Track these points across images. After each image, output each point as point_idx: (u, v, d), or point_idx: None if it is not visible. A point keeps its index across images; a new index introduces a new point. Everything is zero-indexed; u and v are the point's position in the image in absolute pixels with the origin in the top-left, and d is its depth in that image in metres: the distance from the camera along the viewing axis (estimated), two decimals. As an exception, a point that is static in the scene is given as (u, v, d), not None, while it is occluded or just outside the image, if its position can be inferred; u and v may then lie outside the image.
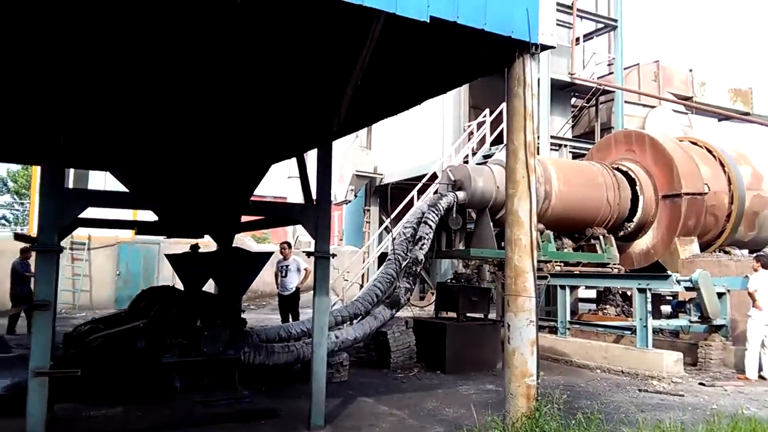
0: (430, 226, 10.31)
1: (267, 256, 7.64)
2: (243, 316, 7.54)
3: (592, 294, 15.99)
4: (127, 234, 17.23)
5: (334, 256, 5.95)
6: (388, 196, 13.78)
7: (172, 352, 6.54)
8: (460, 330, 9.46)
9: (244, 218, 8.28)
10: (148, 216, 8.33)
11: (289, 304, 10.99)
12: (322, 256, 5.70)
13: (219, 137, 6.20)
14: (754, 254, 10.81)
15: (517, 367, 4.55)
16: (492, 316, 10.94)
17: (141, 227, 8.61)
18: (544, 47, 4.76)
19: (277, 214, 7.95)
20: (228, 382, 7.09)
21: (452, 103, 17.08)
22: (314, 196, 5.98)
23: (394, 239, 10.01)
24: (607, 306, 12.97)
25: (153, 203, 6.71)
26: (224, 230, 7.97)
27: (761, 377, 9.19)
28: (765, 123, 12.66)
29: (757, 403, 7.63)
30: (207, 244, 9.29)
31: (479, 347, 9.39)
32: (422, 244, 10.13)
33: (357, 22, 4.49)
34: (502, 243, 12.01)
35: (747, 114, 18.90)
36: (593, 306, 14.59)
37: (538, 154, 13.88)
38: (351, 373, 8.44)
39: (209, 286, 8.30)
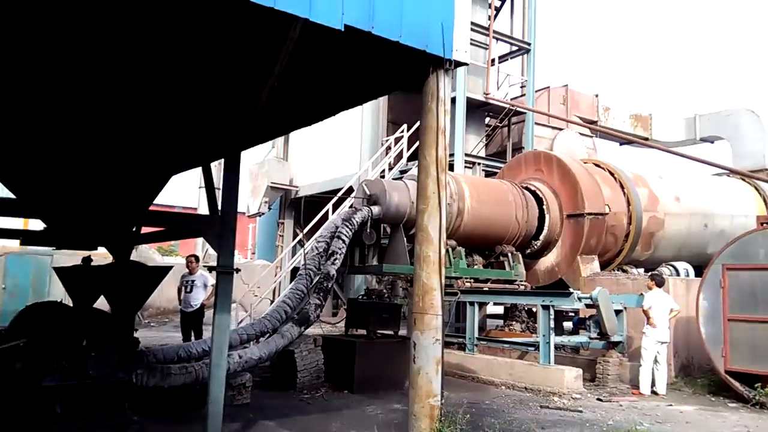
0: (344, 241, 10.14)
1: (165, 270, 7.16)
2: (141, 334, 7.04)
3: (500, 310, 16.34)
4: (16, 244, 15.84)
5: (237, 270, 5.64)
6: (301, 209, 13.47)
7: (53, 375, 5.94)
8: (370, 348, 9.31)
9: (146, 229, 7.78)
10: (38, 225, 7.64)
11: (192, 322, 10.42)
12: (224, 271, 5.39)
13: (113, 143, 5.74)
14: (649, 273, 11.41)
15: (422, 387, 4.43)
16: (403, 332, 10.90)
17: (27, 237, 7.85)
18: (458, 63, 4.74)
19: (179, 225, 7.50)
20: (119, 407, 6.54)
21: (371, 117, 17.10)
22: (220, 208, 5.67)
23: (305, 254, 9.71)
24: (514, 322, 13.27)
25: (39, 211, 6.12)
26: (120, 242, 7.41)
27: (654, 392, 9.64)
28: (661, 148, 13.55)
29: (649, 418, 7.96)
30: (106, 256, 8.66)
31: (389, 365, 9.26)
32: (335, 259, 9.93)
33: (271, 28, 4.26)
34: (415, 259, 12.23)
35: (646, 139, 20.15)
36: (501, 322, 14.90)
37: (452, 171, 14.10)
38: (255, 394, 8.07)
39: (103, 303, 7.70)
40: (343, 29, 4.02)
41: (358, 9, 4.11)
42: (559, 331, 12.48)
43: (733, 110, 19.14)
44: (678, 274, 12.89)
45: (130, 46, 4.73)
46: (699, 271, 11.28)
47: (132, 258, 8.05)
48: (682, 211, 14.49)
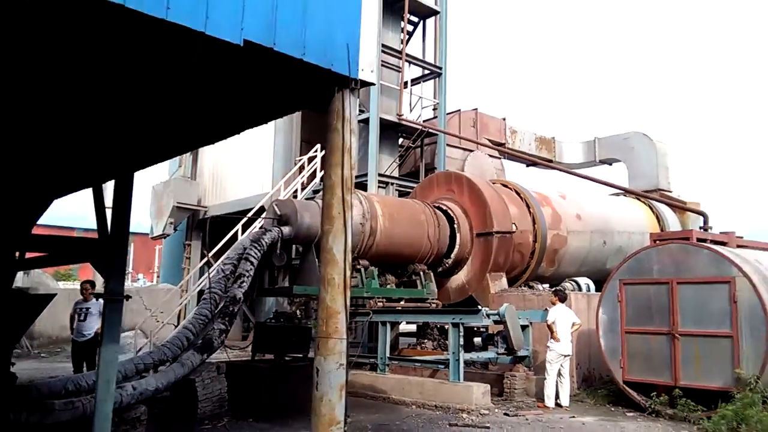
0: (252, 263, 9.82)
1: (48, 298, 6.60)
2: (29, 365, 6.43)
3: (413, 328, 16.43)
4: None
5: (128, 297, 5.27)
6: (206, 231, 12.95)
7: None
8: (277, 373, 9.02)
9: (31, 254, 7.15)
10: None
11: (85, 352, 9.71)
12: (113, 299, 5.01)
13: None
14: (553, 289, 11.85)
15: (325, 415, 4.28)
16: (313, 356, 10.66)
17: None
18: (364, 83, 4.70)
19: (64, 249, 6.92)
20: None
21: (283, 135, 16.87)
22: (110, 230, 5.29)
23: (210, 277, 9.32)
24: (426, 340, 13.35)
25: None
26: (-1, 268, 6.76)
27: (558, 405, 9.95)
28: (562, 169, 14.27)
29: (552, 430, 8.18)
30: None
31: (297, 391, 8.97)
32: (242, 282, 9.58)
33: (163, 42, 4.02)
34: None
35: (550, 161, 21.12)
36: (415, 340, 14.96)
37: (365, 191, 14.10)
38: (150, 428, 7.56)
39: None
40: (242, 44, 3.86)
41: (259, 24, 3.97)
42: (471, 347, 12.70)
43: (629, 134, 20.47)
44: (580, 289, 13.47)
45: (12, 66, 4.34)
46: (599, 285, 11.84)
47: (23, 284, 7.42)
48: (583, 229, 15.23)
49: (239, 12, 3.85)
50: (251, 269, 9.75)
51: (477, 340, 13.85)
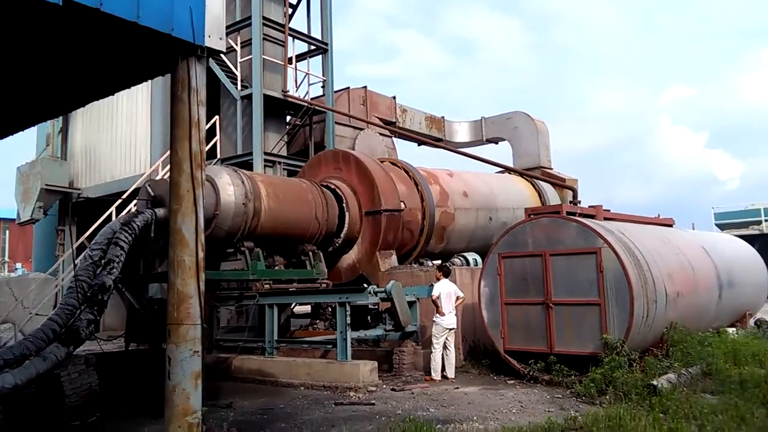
0: (122, 248, 9.14)
1: None
2: None
3: (308, 310, 16.25)
4: None
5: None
6: (69, 213, 11.96)
7: None
8: (150, 362, 8.53)
9: None
10: None
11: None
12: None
13: None
14: (436, 264, 12.08)
15: (178, 405, 4.02)
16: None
17: None
18: (212, 51, 4.39)
19: None
20: None
21: (161, 112, 15.88)
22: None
23: (75, 264, 8.60)
24: (318, 321, 13.23)
25: None
26: None
27: (444, 377, 10.19)
28: (448, 148, 14.59)
29: (436, 402, 8.34)
30: None
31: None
32: (111, 268, 8.89)
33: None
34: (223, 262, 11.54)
35: (440, 140, 21.50)
36: (308, 322, 14.80)
37: (251, 170, 13.62)
38: (11, 428, 6.91)
39: None
40: (61, 3, 3.43)
41: (83, -18, 3.56)
42: (365, 325, 12.71)
43: (512, 114, 21.24)
44: (468, 264, 13.85)
45: None
46: (486, 260, 12.14)
47: None
48: (470, 206, 15.66)
49: (56, -35, 3.42)
50: (121, 254, 9.07)
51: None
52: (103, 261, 9.15)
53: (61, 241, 17.64)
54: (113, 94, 4.93)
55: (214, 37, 4.31)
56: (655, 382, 7.98)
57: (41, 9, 3.39)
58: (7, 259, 39.81)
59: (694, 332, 10.32)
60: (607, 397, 8.05)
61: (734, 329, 12.74)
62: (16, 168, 17.16)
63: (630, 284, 8.93)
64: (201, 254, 4.18)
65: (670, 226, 13.35)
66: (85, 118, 18.34)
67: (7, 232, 40.56)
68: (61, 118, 18.20)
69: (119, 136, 16.83)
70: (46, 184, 16.50)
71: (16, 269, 34.28)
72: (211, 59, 14.74)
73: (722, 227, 31.85)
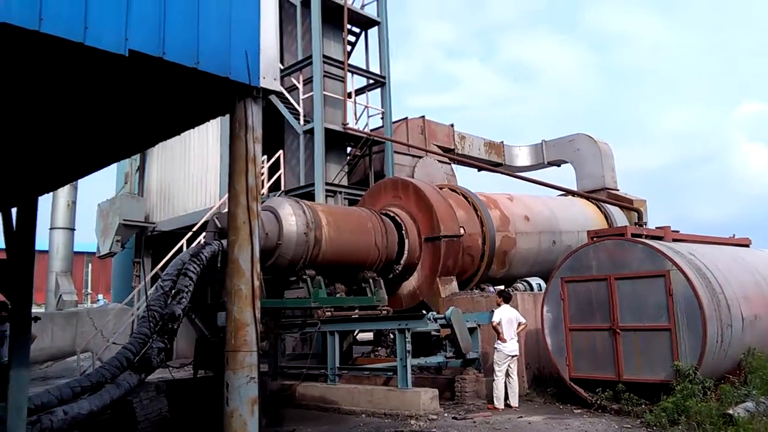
0: (191, 278, 9.61)
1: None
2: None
3: (370, 337, 16.36)
4: None
5: (37, 319, 5.08)
6: (142, 246, 12.61)
7: None
8: (218, 389, 8.80)
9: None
10: None
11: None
12: (20, 321, 4.82)
13: None
14: (497, 290, 11.94)
15: (236, 431, 4.17)
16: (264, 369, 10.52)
17: None
18: (267, 91, 4.64)
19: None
20: None
21: (227, 148, 16.65)
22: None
23: (147, 295, 9.09)
24: (380, 348, 13.29)
25: None
26: None
27: (507, 405, 9.98)
28: (505, 172, 14.50)
29: None
30: None
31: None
32: (180, 298, 9.36)
33: (41, 55, 3.87)
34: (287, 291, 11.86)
35: (499, 165, 21.38)
36: (370, 349, 14.89)
37: (312, 200, 14.00)
38: (86, 452, 7.33)
39: None
40: (127, 54, 3.76)
41: (146, 33, 3.88)
42: (428, 352, 12.66)
43: (574, 136, 20.88)
44: (532, 289, 13.62)
45: None
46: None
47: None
48: (532, 230, 15.43)
49: (122, 20, 3.75)
50: (190, 285, 9.55)
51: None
52: (173, 291, 9.66)
53: (137, 272, 18.64)
54: (178, 134, 5.29)
55: (269, 78, 4.56)
56: (731, 411, 7.57)
57: (108, 59, 3.72)
58: (89, 290, 42.06)
59: (776, 359, 9.71)
60: (680, 427, 7.68)
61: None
62: (96, 205, 18.39)
63: (702, 307, 8.55)
64: (257, 283, 4.37)
65: (747, 246, 12.67)
66: (160, 156, 19.49)
67: (90, 265, 42.99)
68: (138, 156, 19.43)
69: (191, 171, 17.75)
70: (124, 219, 17.57)
71: (98, 300, 36.17)
72: (275, 98, 15.48)
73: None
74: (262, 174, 15.74)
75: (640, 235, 10.00)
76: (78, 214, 24.92)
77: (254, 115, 4.50)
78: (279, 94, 15.74)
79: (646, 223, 12.00)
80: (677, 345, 8.75)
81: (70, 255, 23.22)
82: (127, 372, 8.36)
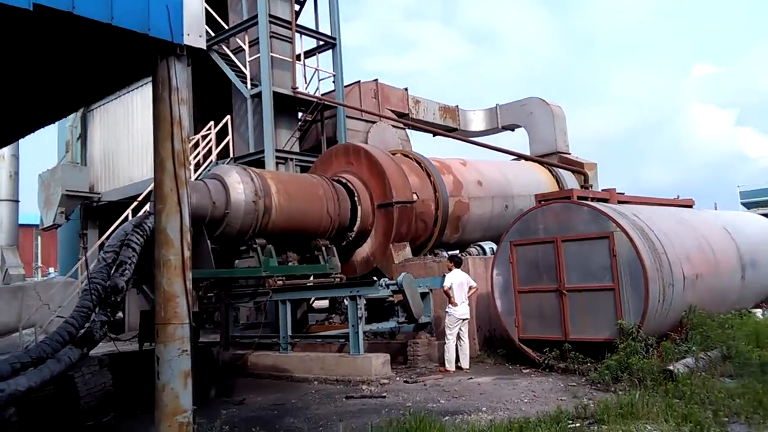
0: (134, 249, 9.28)
1: None
2: None
3: (326, 304, 16.31)
4: None
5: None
6: (90, 217, 12.17)
7: None
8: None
9: None
10: None
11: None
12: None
13: None
14: (449, 254, 11.99)
15: (167, 405, 4.05)
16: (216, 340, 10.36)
17: None
18: (192, 49, 4.37)
19: None
20: None
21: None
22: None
23: (88, 267, 8.76)
24: (334, 315, 13.26)
25: None
26: None
27: (459, 368, 10.12)
28: (460, 137, 14.46)
29: (447, 394, 8.28)
30: None
31: (189, 377, 8.67)
32: (123, 270, 9.05)
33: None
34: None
35: (454, 129, 21.31)
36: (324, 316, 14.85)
37: (263, 168, 13.68)
38: (25, 429, 7.06)
39: None
40: (31, 8, 3.45)
41: (53, -14, 3.57)
42: (382, 318, 12.67)
43: (527, 100, 20.92)
44: (485, 254, 13.71)
45: None
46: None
47: None
48: (485, 195, 15.50)
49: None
50: (133, 256, 9.23)
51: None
52: (116, 263, 9.33)
53: (83, 244, 17.98)
54: (100, 99, 4.98)
55: (194, 35, 4.30)
56: (671, 367, 7.81)
57: (10, 14, 3.41)
58: (39, 264, 40.77)
59: (716, 316, 10.07)
60: (623, 384, 7.90)
61: (761, 311, 12.41)
62: (37, 175, 17.60)
63: (644, 268, 8.74)
64: (187, 253, 4.19)
65: (690, 207, 13.02)
66: (103, 124, 18.68)
67: (39, 238, 41.52)
68: (79, 124, 18.58)
69: (135, 139, 17.07)
70: (67, 190, 16.85)
71: (49, 274, 35.14)
72: (221, 60, 14.90)
73: (749, 206, 31.03)
74: (210, 141, 15.29)
75: (586, 198, 10.11)
76: (25, 185, 23.93)
77: (178, 74, 4.25)
78: (225, 56, 15.17)
79: (591, 186, 12.15)
80: (621, 304, 8.94)
81: (15, 228, 22.29)
82: (68, 346, 8.08)
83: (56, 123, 19.07)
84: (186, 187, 4.19)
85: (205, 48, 4.49)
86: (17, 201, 22.54)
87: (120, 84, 4.78)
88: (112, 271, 9.26)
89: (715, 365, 8.37)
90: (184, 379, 4.08)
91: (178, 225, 4.16)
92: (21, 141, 22.89)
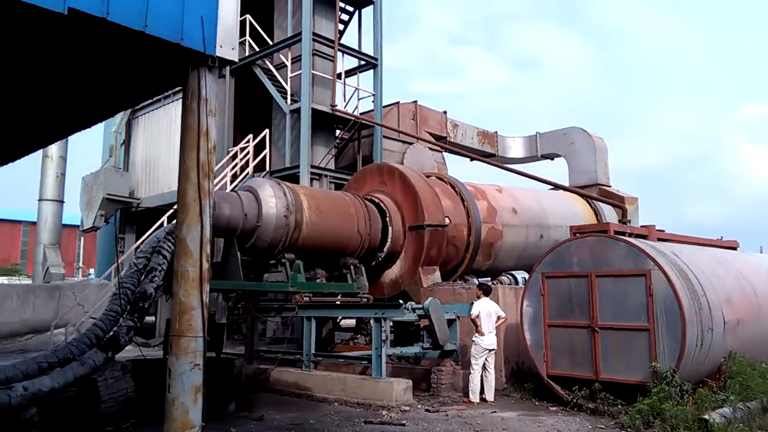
0: (164, 256, 9.37)
1: None
2: None
3: (353, 323, 16.15)
4: None
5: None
6: (129, 222, 12.34)
7: None
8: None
9: None
10: None
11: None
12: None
13: None
14: (478, 282, 11.72)
15: (177, 419, 3.96)
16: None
17: None
18: (224, 61, 4.36)
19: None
20: None
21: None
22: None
23: (119, 272, 8.86)
24: (359, 335, 13.10)
25: None
26: None
27: (483, 399, 9.80)
28: (500, 165, 14.27)
29: (469, 427, 8.01)
30: None
31: (207, 389, 8.60)
32: (153, 277, 9.13)
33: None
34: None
35: (492, 155, 21.09)
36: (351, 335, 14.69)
37: (297, 183, 13.73)
38: (45, 430, 7.10)
39: None
40: (66, 12, 3.49)
41: (89, -8, 3.60)
42: (408, 342, 12.45)
43: (569, 129, 20.58)
44: (516, 282, 13.39)
45: None
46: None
47: None
48: (520, 223, 15.19)
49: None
50: (164, 263, 9.31)
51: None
52: (146, 269, 9.42)
53: (121, 248, 18.39)
54: (130, 108, 5.04)
55: (226, 47, 4.29)
56: (707, 417, 7.39)
57: (45, 18, 3.44)
58: (81, 264, 41.82)
59: (757, 364, 9.54)
60: (654, 430, 7.52)
61: (807, 362, 11.71)
62: (81, 178, 18.09)
63: (682, 309, 8.34)
64: (206, 265, 4.13)
65: (734, 249, 12.47)
66: (146, 132, 19.14)
67: (82, 239, 42.65)
68: (123, 130, 19.09)
69: (176, 147, 17.41)
70: (108, 194, 17.27)
71: (89, 275, 35.98)
72: (263, 75, 15.12)
73: (801, 251, 29.62)
74: (248, 153, 15.46)
75: (623, 233, 9.77)
76: (72, 187, 24.60)
77: (209, 86, 4.24)
78: (267, 71, 15.38)
79: (630, 221, 11.77)
80: (656, 346, 8.54)
81: (58, 227, 22.97)
82: (93, 350, 8.14)
83: (102, 128, 19.51)
84: (209, 198, 4.15)
85: (237, 61, 4.49)
86: (62, 201, 23.25)
87: (153, 92, 4.81)
88: (143, 277, 9.37)
89: (753, 417, 7.89)
90: (194, 394, 4.00)
91: (198, 236, 4.11)
92: (69, 144, 23.69)
